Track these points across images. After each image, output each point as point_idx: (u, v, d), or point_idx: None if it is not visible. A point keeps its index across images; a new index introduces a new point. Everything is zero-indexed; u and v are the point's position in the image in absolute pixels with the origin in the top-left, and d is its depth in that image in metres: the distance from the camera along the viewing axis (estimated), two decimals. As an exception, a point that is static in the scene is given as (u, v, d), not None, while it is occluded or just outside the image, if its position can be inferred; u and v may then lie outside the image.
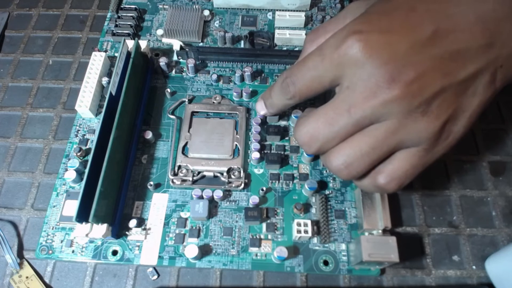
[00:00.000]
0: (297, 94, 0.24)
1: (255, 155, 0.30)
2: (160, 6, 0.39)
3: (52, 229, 0.28)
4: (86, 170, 0.26)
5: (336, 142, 0.22)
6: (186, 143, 0.31)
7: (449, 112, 0.20)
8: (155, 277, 0.27)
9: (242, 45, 0.37)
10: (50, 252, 0.28)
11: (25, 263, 0.28)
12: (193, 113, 0.32)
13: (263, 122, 0.32)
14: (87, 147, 0.31)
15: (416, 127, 0.20)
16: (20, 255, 0.28)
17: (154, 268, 0.28)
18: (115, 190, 0.28)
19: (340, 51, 0.21)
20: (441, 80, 0.20)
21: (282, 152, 0.31)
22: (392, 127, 0.20)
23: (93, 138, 0.31)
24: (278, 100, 0.27)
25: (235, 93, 0.33)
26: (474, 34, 0.20)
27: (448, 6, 0.20)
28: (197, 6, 0.37)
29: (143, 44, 0.33)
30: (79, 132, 0.32)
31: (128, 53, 0.31)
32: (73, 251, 0.28)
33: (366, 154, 0.21)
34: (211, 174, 0.30)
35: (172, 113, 0.33)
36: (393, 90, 0.19)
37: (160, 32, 0.36)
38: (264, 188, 0.29)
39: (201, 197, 0.29)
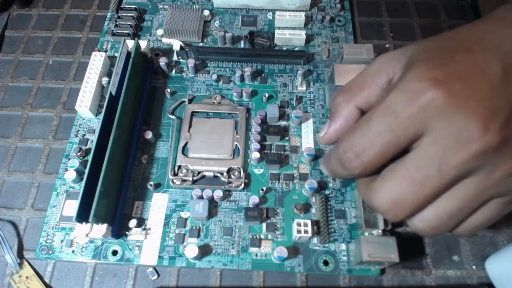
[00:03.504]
0: (368, 167, 0.21)
1: (255, 155, 0.30)
2: (160, 6, 0.39)
3: (52, 229, 0.28)
4: (86, 170, 0.26)
5: (424, 207, 0.20)
6: (186, 143, 0.31)
7: None
8: (155, 277, 0.27)
9: (242, 45, 0.37)
10: (50, 252, 0.28)
11: (25, 263, 0.28)
12: (193, 113, 0.32)
13: (263, 122, 0.32)
14: (87, 147, 0.31)
15: (509, 178, 0.19)
16: (20, 255, 0.28)
17: (154, 268, 0.28)
18: (115, 190, 0.28)
19: (420, 104, 0.18)
20: None
21: (282, 152, 0.31)
22: (484, 182, 0.19)
23: (93, 138, 0.31)
24: (341, 174, 0.23)
25: (235, 93, 0.33)
26: None
27: (502, 42, 0.19)
28: (197, 6, 0.37)
29: (143, 44, 0.33)
30: (79, 132, 0.32)
31: (128, 53, 0.31)
32: (73, 251, 0.28)
33: (454, 216, 0.20)
34: (211, 174, 0.30)
35: (172, 113, 0.33)
36: (488, 141, 0.18)
37: (160, 32, 0.36)
38: (264, 188, 0.29)
39: (201, 197, 0.29)
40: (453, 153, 0.18)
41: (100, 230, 0.25)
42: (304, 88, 0.34)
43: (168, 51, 0.36)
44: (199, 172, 0.30)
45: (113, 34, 0.36)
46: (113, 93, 0.29)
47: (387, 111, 0.20)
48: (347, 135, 0.21)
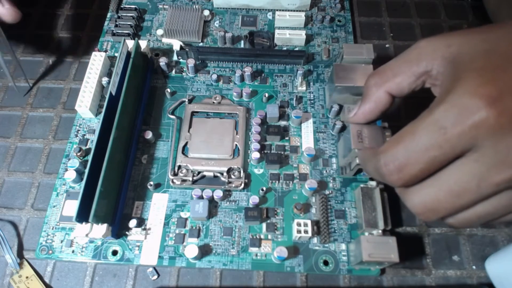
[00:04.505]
0: (409, 181, 0.20)
1: (255, 155, 0.30)
2: (160, 6, 0.39)
3: (52, 229, 0.28)
4: (86, 170, 0.26)
5: (457, 213, 0.20)
6: (186, 143, 0.31)
7: None
8: (155, 277, 0.27)
9: (242, 45, 0.37)
10: (50, 252, 0.28)
11: (25, 263, 0.28)
12: (193, 113, 0.32)
13: (263, 122, 0.32)
14: (87, 147, 0.31)
15: None
16: (20, 255, 0.28)
17: (154, 268, 0.28)
18: (115, 190, 0.28)
19: (472, 122, 0.18)
20: None
21: (282, 152, 0.31)
22: None
23: (93, 138, 0.31)
24: (376, 178, 0.23)
25: (235, 93, 0.33)
26: None
27: None
28: (197, 6, 0.37)
29: (143, 44, 0.33)
30: (79, 132, 0.32)
31: (128, 53, 0.31)
32: (73, 251, 0.28)
33: (484, 218, 0.20)
34: (211, 174, 0.30)
35: (172, 113, 0.33)
36: None
37: (160, 32, 0.36)
38: (264, 188, 0.29)
39: (201, 197, 0.29)
40: (496, 171, 0.18)
41: (100, 230, 0.25)
42: (304, 88, 0.34)
43: (168, 51, 0.36)
44: (199, 172, 0.30)
45: (113, 34, 0.36)
46: (113, 93, 0.29)
47: (435, 126, 0.19)
48: (388, 146, 0.21)
